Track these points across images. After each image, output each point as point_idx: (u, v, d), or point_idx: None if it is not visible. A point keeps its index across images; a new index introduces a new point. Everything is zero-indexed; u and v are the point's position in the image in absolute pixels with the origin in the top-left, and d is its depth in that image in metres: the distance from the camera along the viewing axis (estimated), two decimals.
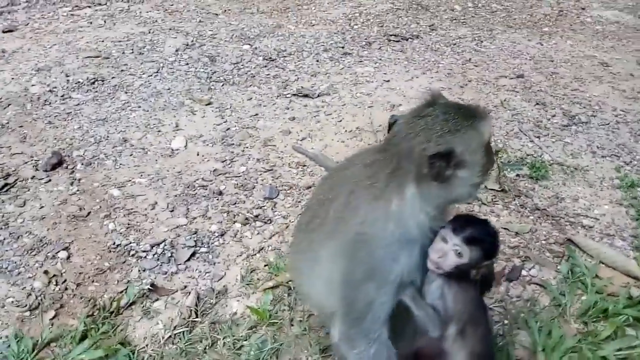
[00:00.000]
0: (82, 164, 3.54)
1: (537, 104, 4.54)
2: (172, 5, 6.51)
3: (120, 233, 2.92)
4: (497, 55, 5.55)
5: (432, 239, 1.68)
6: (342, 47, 5.59)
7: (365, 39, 5.85)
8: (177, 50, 5.26)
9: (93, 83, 4.55)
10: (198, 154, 3.71)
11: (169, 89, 4.53)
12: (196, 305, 2.45)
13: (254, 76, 4.89)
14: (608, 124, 4.24)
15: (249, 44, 5.52)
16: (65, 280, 2.58)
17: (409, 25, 6.28)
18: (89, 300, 2.45)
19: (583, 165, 3.67)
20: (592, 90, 4.81)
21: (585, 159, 3.76)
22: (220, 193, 3.28)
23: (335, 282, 1.72)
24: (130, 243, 2.84)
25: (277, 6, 6.67)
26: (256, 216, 3.08)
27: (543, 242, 2.98)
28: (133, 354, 2.18)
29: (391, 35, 5.98)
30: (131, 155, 3.67)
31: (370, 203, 1.64)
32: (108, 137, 3.86)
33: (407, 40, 5.87)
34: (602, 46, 5.89)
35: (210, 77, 4.79)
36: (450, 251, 1.65)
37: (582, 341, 2.29)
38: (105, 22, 5.83)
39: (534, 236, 3.01)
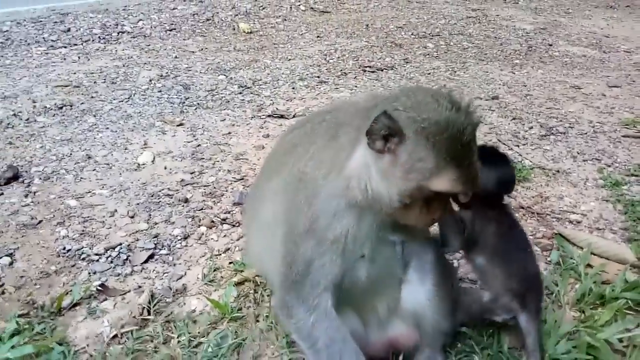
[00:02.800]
0: (40, 179, 3.32)
1: (514, 118, 4.52)
2: (149, 45, 6.55)
3: (73, 239, 2.66)
4: (471, 82, 5.62)
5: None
6: (318, 77, 5.62)
7: (341, 70, 5.90)
8: (150, 80, 5.20)
9: (61, 108, 4.42)
10: (165, 168, 3.52)
11: (139, 112, 4.41)
12: (149, 303, 2.17)
13: (229, 101, 4.82)
14: (586, 133, 4.20)
15: (225, 75, 5.51)
16: (2, 284, 2.29)
17: (384, 59, 6.39)
18: (27, 303, 2.15)
19: (565, 168, 3.58)
20: (567, 108, 4.83)
21: (567, 162, 3.67)
22: (186, 200, 3.07)
23: (276, 237, 1.57)
24: (83, 248, 2.58)
25: (254, 45, 6.77)
26: (223, 219, 2.86)
27: (530, 237, 2.79)
28: (69, 352, 1.87)
29: (366, 67, 6.06)
30: (94, 170, 3.48)
31: (320, 146, 1.54)
32: (71, 154, 3.67)
33: (382, 70, 5.94)
34: (571, 74, 6.03)
35: (184, 102, 4.71)
36: None
37: (579, 327, 2.05)
38: (79, 58, 5.81)
39: None
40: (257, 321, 2.12)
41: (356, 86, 5.38)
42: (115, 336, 2.01)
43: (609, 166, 3.59)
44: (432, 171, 1.38)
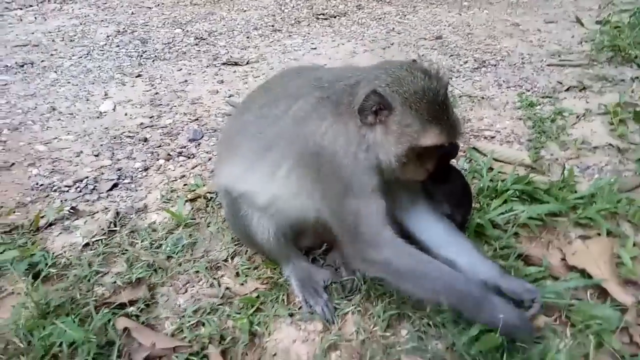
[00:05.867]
0: (9, 129, 3.58)
1: (452, 55, 4.87)
2: (105, 3, 6.63)
3: (44, 176, 2.98)
4: (419, 25, 5.92)
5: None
6: (272, 26, 5.84)
7: (295, 19, 6.12)
8: (108, 37, 5.37)
9: (22, 66, 4.60)
10: (126, 114, 3.81)
11: (99, 67, 4.63)
12: (115, 218, 2.54)
13: (185, 53, 5.05)
14: (515, 64, 4.60)
15: (181, 28, 5.69)
16: None
17: (337, 7, 6.61)
18: (7, 225, 2.50)
19: (489, 95, 3.98)
20: (503, 43, 5.20)
21: (492, 90, 4.08)
22: (146, 140, 3.40)
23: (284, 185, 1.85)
24: (54, 182, 2.91)
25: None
26: (179, 153, 3.21)
27: None
28: (49, 256, 2.24)
29: (320, 14, 6.29)
30: (59, 120, 3.74)
31: (325, 118, 1.75)
32: (36, 107, 3.91)
33: (335, 17, 6.18)
34: (514, 13, 6.37)
35: (141, 55, 4.92)
36: None
37: (475, 214, 2.49)
38: (36, 18, 5.90)
39: None
40: (208, 226, 2.51)
41: (309, 33, 5.63)
42: (87, 244, 2.38)
43: (528, 91, 4.01)
44: (420, 131, 1.68)
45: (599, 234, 2.43)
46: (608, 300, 2.08)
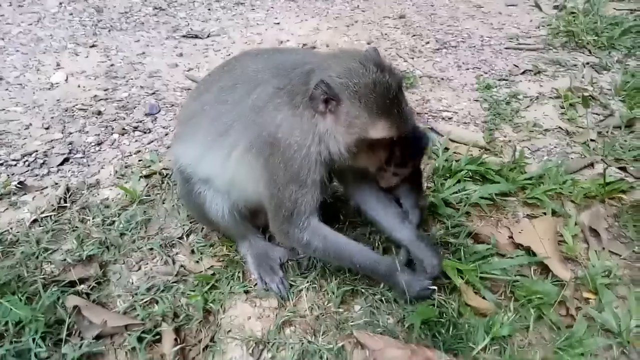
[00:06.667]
0: None
1: (414, 35, 4.90)
2: None
3: None
4: (383, 4, 5.89)
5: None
6: None
7: None
8: (61, 3, 5.10)
9: None
10: (79, 86, 3.66)
11: (50, 35, 4.40)
12: (66, 194, 2.46)
13: (143, 23, 4.86)
14: (474, 46, 4.67)
15: None
16: None
17: None
18: None
19: (448, 76, 4.04)
20: (464, 25, 5.25)
21: (452, 71, 4.14)
22: (100, 113, 3.28)
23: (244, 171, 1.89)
24: (0, 155, 2.78)
25: None
26: (135, 127, 3.12)
27: None
28: None
29: None
30: (6, 90, 3.55)
31: (280, 110, 1.78)
32: None
33: None
34: None
35: (96, 25, 4.71)
36: None
37: (429, 194, 2.56)
38: None
39: None
40: (163, 203, 2.48)
41: (272, 7, 5.52)
42: (35, 220, 2.30)
43: (486, 73, 4.09)
44: (368, 124, 1.68)
45: (544, 214, 2.55)
46: (549, 277, 2.20)
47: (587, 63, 4.28)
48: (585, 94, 3.58)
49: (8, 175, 2.63)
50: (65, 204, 2.41)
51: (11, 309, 1.76)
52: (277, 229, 1.92)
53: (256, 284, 2.09)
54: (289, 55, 2.00)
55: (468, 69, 4.18)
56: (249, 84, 1.89)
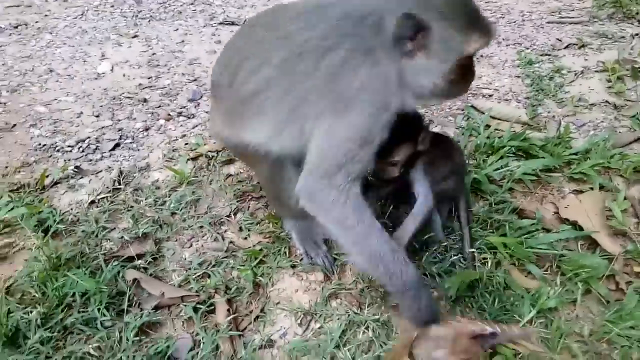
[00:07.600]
0: (7, 92, 3.58)
1: None
2: None
3: (46, 137, 3.01)
4: None
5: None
6: None
7: None
8: None
9: (16, 27, 4.54)
10: (124, 75, 3.80)
11: (94, 27, 4.57)
12: (119, 177, 2.59)
13: (181, 12, 4.97)
14: (515, 21, 4.55)
15: None
16: None
17: None
18: (14, 184, 2.55)
19: (488, 53, 3.97)
20: (503, 1, 5.12)
21: (491, 48, 4.06)
22: (145, 100, 3.40)
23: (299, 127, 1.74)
24: (56, 142, 2.94)
25: None
26: (179, 113, 3.23)
27: (447, 110, 3.25)
28: (56, 212, 2.31)
29: None
30: (57, 81, 3.73)
31: (358, 71, 1.63)
32: (33, 69, 3.89)
33: None
34: None
35: (137, 16, 4.85)
36: None
37: (473, 170, 2.55)
38: None
39: (438, 107, 3.26)
40: (210, 184, 2.57)
41: None
42: (92, 202, 2.44)
43: (527, 49, 3.99)
44: (463, 41, 1.58)
45: (591, 189, 2.50)
46: (598, 251, 2.17)
47: (636, 34, 4.11)
48: (635, 65, 3.45)
49: (65, 160, 2.78)
50: (119, 186, 2.54)
51: (77, 282, 1.88)
52: (310, 184, 1.70)
53: (302, 259, 2.15)
54: (341, 8, 1.74)
55: (508, 45, 4.09)
56: (317, 51, 1.68)
